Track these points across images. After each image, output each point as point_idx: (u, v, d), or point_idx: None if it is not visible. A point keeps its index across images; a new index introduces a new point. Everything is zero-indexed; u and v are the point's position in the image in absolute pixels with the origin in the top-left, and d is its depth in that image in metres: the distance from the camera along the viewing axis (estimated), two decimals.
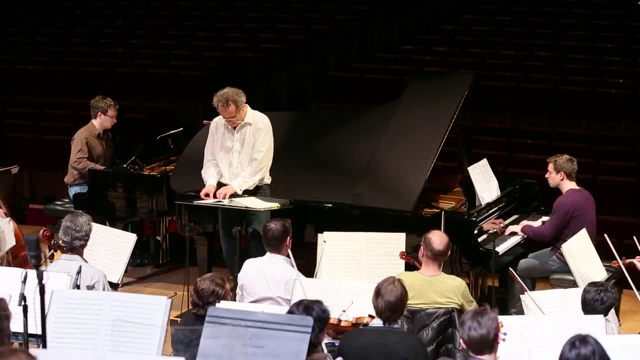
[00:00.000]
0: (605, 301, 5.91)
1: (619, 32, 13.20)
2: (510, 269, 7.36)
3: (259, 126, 8.22)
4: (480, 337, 4.85)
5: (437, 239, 6.61)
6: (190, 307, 5.90)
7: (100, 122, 9.66)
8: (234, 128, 8.22)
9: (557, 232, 8.10)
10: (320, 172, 8.45)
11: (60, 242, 6.57)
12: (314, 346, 4.97)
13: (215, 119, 8.38)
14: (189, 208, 8.62)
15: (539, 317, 6.14)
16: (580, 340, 4.43)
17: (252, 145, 8.20)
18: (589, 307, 5.98)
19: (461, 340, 4.93)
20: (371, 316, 5.89)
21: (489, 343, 4.86)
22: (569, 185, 8.20)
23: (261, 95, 12.78)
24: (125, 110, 12.66)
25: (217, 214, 8.35)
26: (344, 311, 6.09)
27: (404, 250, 7.27)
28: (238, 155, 8.25)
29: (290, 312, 5.20)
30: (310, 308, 5.15)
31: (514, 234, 8.34)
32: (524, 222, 8.46)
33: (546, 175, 8.31)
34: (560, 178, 8.19)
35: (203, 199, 8.12)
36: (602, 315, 5.78)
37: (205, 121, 8.41)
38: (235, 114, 8.13)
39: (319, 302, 5.22)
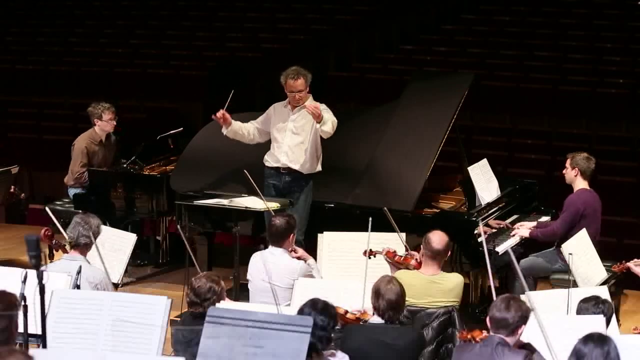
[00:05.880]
0: (606, 312, 5.89)
1: (619, 32, 13.20)
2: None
3: (321, 108, 8.16)
4: (502, 318, 4.99)
5: (437, 238, 6.62)
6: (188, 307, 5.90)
7: (100, 128, 9.67)
8: (294, 108, 8.25)
9: (568, 229, 8.05)
10: (321, 172, 8.45)
11: (63, 241, 6.57)
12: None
13: (274, 104, 8.44)
14: (189, 208, 8.62)
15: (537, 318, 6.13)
16: (589, 337, 4.45)
17: (309, 132, 8.19)
18: None
19: (487, 319, 5.12)
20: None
21: (509, 327, 4.95)
22: (580, 184, 8.16)
23: (261, 95, 12.77)
24: (125, 110, 12.70)
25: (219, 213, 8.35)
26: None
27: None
28: (291, 135, 8.26)
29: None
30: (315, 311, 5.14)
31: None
32: (521, 224, 8.42)
33: (563, 171, 8.29)
34: (574, 174, 8.15)
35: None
36: (602, 316, 5.77)
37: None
38: (302, 89, 8.18)
39: (325, 311, 5.20)
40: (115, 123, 9.70)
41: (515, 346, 5.09)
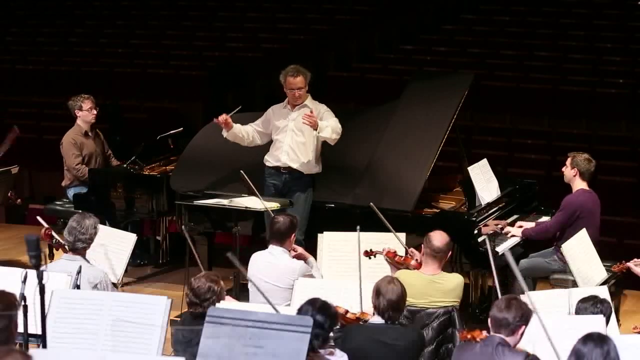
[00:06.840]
0: (605, 311, 5.90)
1: (619, 32, 13.20)
2: None
3: (322, 111, 8.25)
4: (503, 318, 5.01)
5: (438, 237, 6.63)
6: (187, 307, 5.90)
7: (82, 120, 9.65)
8: (294, 107, 8.27)
9: (560, 229, 8.08)
10: (320, 172, 8.45)
11: (62, 240, 6.57)
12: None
13: (272, 107, 8.47)
14: (189, 208, 8.62)
15: (538, 317, 6.13)
16: (588, 337, 4.44)
17: (311, 131, 8.18)
18: None
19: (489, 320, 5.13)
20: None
21: (509, 327, 4.95)
22: (579, 185, 8.18)
23: (261, 95, 12.77)
24: (125, 110, 12.71)
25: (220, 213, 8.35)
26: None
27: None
28: (292, 134, 8.28)
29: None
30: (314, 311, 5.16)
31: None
32: (519, 224, 8.44)
33: (563, 169, 8.30)
34: (573, 174, 8.17)
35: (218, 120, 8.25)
36: (602, 316, 5.77)
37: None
38: (301, 86, 8.21)
39: (324, 309, 5.21)
40: (96, 112, 9.66)
41: (516, 346, 5.08)
